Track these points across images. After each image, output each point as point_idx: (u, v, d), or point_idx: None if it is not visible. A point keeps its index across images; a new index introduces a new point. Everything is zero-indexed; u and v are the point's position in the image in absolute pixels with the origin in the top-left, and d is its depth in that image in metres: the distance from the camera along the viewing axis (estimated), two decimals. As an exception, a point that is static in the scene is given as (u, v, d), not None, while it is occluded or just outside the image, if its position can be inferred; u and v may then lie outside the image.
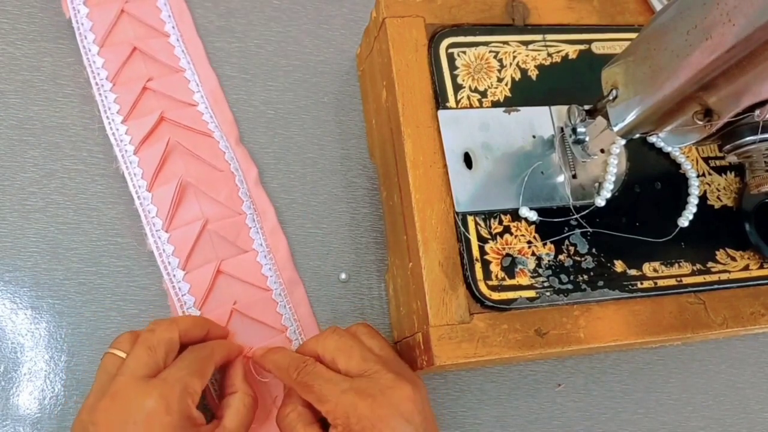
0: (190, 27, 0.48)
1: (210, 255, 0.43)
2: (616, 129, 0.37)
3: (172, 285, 0.42)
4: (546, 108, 0.44)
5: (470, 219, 0.41)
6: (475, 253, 0.40)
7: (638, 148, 0.45)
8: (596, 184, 0.43)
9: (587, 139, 0.42)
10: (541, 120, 0.44)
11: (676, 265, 0.43)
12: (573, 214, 0.42)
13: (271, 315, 0.43)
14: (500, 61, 0.45)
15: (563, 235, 0.42)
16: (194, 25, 0.48)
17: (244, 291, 0.43)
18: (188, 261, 0.43)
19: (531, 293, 0.40)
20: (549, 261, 0.41)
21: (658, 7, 0.48)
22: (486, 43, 0.45)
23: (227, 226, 0.44)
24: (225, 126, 0.46)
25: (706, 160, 0.46)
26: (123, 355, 0.36)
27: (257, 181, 0.46)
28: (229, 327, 0.42)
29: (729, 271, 0.44)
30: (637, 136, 0.38)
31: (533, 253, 0.41)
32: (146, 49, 0.45)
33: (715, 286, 0.43)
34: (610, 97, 0.37)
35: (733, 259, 0.44)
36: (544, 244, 0.42)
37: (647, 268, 0.43)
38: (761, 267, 0.44)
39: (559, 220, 0.42)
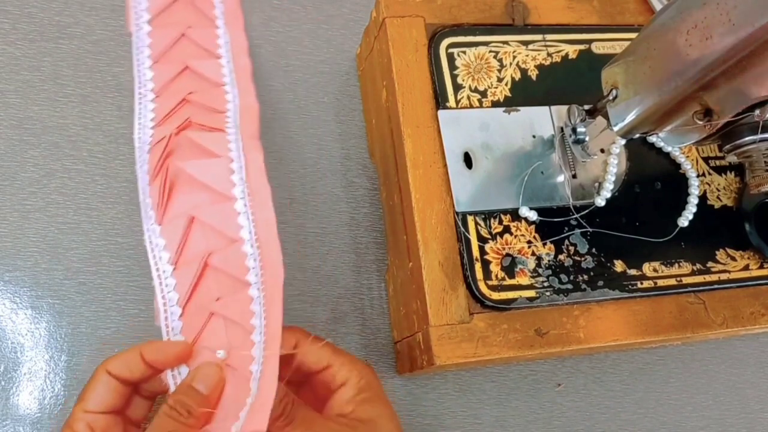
0: (243, 50, 0.48)
1: (200, 248, 0.40)
2: (616, 129, 0.37)
3: (159, 281, 0.39)
4: (546, 108, 0.44)
5: (470, 219, 0.41)
6: (475, 253, 0.40)
7: (638, 148, 0.45)
8: (596, 184, 0.43)
9: (587, 139, 0.42)
10: (541, 120, 0.44)
11: (676, 264, 0.43)
12: (573, 214, 0.42)
13: (245, 314, 0.39)
14: (500, 61, 0.45)
15: (563, 235, 0.42)
16: (247, 47, 0.49)
17: (224, 283, 0.40)
18: (179, 255, 0.40)
19: (531, 293, 0.40)
20: (549, 261, 0.41)
21: (658, 7, 0.48)
22: (486, 43, 0.45)
23: (215, 212, 0.41)
24: (245, 124, 0.45)
25: (706, 160, 0.46)
26: None
27: (261, 168, 0.42)
28: (207, 329, 0.38)
29: (729, 271, 0.44)
30: (637, 136, 0.38)
31: (533, 253, 0.41)
32: (196, 68, 0.46)
33: (715, 286, 0.43)
34: (610, 97, 0.37)
35: (733, 259, 0.44)
36: (544, 244, 0.42)
37: (647, 267, 0.43)
38: (761, 267, 0.44)
39: (559, 220, 0.42)
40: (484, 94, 0.44)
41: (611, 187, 0.43)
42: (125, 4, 0.47)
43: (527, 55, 0.46)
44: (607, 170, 0.43)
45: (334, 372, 0.37)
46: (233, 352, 0.37)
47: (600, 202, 0.43)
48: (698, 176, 0.45)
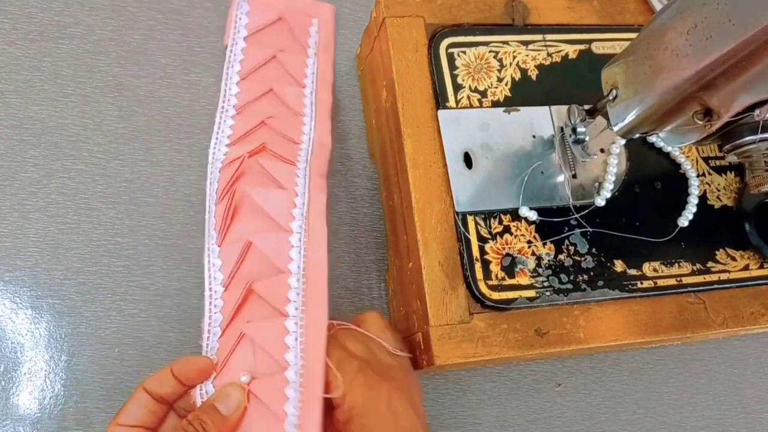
0: (327, 84, 0.49)
1: (250, 273, 0.41)
2: (616, 129, 0.37)
3: (209, 301, 0.40)
4: (546, 108, 0.44)
5: (470, 219, 0.41)
6: (475, 252, 0.40)
7: (638, 148, 0.45)
8: (596, 184, 0.43)
9: (587, 138, 0.42)
10: (541, 120, 0.44)
11: (676, 264, 0.43)
12: (573, 214, 0.42)
13: (277, 344, 0.38)
14: (500, 61, 0.45)
15: (563, 235, 0.42)
16: (332, 82, 0.49)
17: (262, 314, 0.39)
18: (232, 278, 0.41)
19: (531, 293, 0.40)
20: (549, 261, 0.41)
21: (658, 7, 0.48)
22: (486, 43, 0.45)
23: (269, 239, 0.41)
24: (317, 159, 0.46)
25: (706, 160, 0.46)
26: None
27: (322, 211, 0.43)
28: (236, 352, 0.38)
29: (729, 271, 0.44)
30: (637, 135, 0.38)
31: (533, 253, 0.41)
32: (280, 92, 0.47)
33: (715, 286, 0.43)
34: (610, 97, 0.37)
35: (733, 258, 0.44)
36: (544, 244, 0.42)
37: (647, 267, 0.43)
38: (761, 267, 0.44)
39: (559, 219, 0.42)
40: (484, 94, 0.44)
41: (611, 187, 0.43)
42: (228, 17, 0.49)
43: (527, 55, 0.46)
44: (607, 170, 0.43)
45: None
46: (261, 381, 0.37)
47: (600, 202, 0.43)
48: (698, 176, 0.45)
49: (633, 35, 0.36)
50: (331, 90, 0.49)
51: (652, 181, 0.45)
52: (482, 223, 0.41)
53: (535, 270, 0.41)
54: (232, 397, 0.36)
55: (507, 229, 0.41)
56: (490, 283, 0.40)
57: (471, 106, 0.44)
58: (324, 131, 0.47)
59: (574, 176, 0.43)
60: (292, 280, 0.40)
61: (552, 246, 0.42)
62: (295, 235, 0.41)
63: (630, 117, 0.36)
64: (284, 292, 0.39)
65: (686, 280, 0.43)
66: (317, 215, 0.43)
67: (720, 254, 0.44)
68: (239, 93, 0.47)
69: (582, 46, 0.47)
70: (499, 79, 0.45)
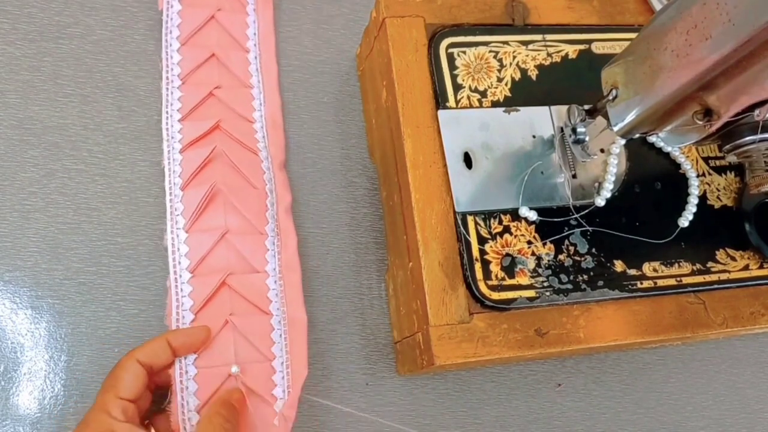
0: (270, 50, 0.48)
1: (221, 265, 0.43)
2: (616, 129, 0.37)
3: (175, 284, 0.41)
4: (546, 108, 0.44)
5: (470, 219, 0.41)
6: (475, 253, 0.40)
7: (638, 148, 0.45)
8: (596, 184, 0.43)
9: (587, 139, 0.42)
10: (541, 120, 0.44)
11: (676, 265, 0.43)
12: (573, 214, 0.42)
13: (263, 339, 0.42)
14: (500, 61, 0.45)
15: (563, 235, 0.42)
16: (276, 49, 0.48)
17: (244, 309, 0.42)
18: (198, 265, 0.42)
19: (531, 293, 0.40)
20: (549, 261, 0.41)
21: (658, 7, 0.48)
22: (486, 43, 0.45)
23: (246, 241, 0.43)
24: (273, 148, 0.46)
25: (706, 160, 0.46)
26: None
27: (288, 209, 0.45)
28: (218, 339, 0.41)
29: (729, 271, 0.44)
30: (637, 135, 0.38)
31: (533, 253, 0.41)
32: (223, 59, 0.46)
33: (715, 286, 0.43)
34: (610, 97, 0.37)
35: (733, 259, 0.44)
36: (544, 244, 0.42)
37: (647, 267, 0.43)
38: (761, 267, 0.44)
39: (559, 219, 0.42)
40: (484, 94, 0.44)
41: (611, 187, 0.43)
42: None
43: (527, 55, 0.46)
44: (607, 170, 0.43)
45: None
46: (251, 371, 0.40)
47: (600, 202, 0.43)
48: (698, 176, 0.45)
49: (633, 35, 0.36)
50: (275, 55, 0.48)
51: (652, 181, 0.45)
52: (482, 223, 0.41)
53: (535, 270, 0.41)
54: (239, 397, 0.39)
55: (507, 229, 0.41)
56: (490, 283, 0.40)
57: (471, 106, 0.44)
58: (274, 106, 0.47)
59: (574, 176, 0.43)
60: (270, 281, 0.42)
61: (552, 246, 0.42)
62: (270, 238, 0.43)
63: (630, 117, 0.36)
64: (263, 291, 0.42)
65: (686, 280, 0.43)
66: (285, 217, 0.44)
67: (720, 254, 0.44)
68: (181, 61, 0.45)
69: (582, 46, 0.47)
70: (499, 79, 0.45)
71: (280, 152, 0.47)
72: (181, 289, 0.42)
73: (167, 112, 0.45)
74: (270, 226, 0.43)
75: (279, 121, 0.47)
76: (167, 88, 0.45)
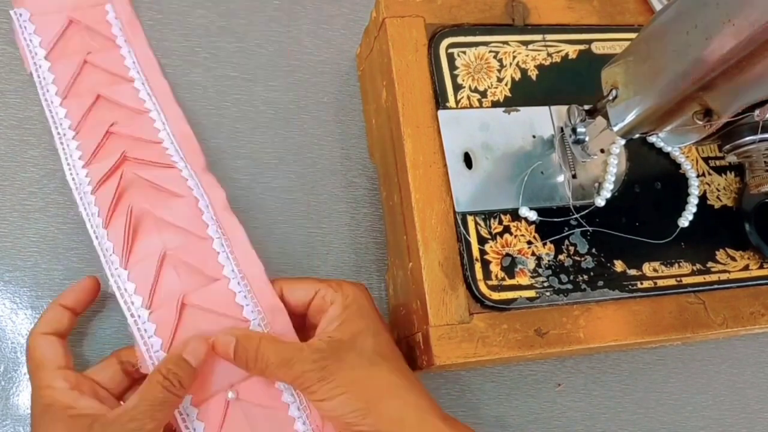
0: (155, 71, 0.47)
1: (176, 288, 0.39)
2: (616, 129, 0.37)
3: (137, 327, 0.38)
4: (546, 108, 0.44)
5: (470, 219, 0.41)
6: (475, 253, 0.40)
7: (638, 148, 0.45)
8: (596, 184, 0.43)
9: (587, 139, 0.42)
10: (541, 120, 0.44)
11: (676, 265, 0.43)
12: (573, 214, 0.42)
13: None
14: (500, 61, 0.45)
15: (563, 235, 0.42)
16: (159, 66, 0.47)
17: (218, 323, 0.39)
18: (153, 298, 0.39)
19: (531, 293, 0.40)
20: (549, 261, 0.41)
21: (658, 7, 0.48)
22: (486, 43, 0.45)
23: (191, 252, 0.40)
24: (190, 156, 0.44)
25: (706, 160, 0.47)
26: None
27: (226, 206, 0.43)
28: (206, 366, 0.38)
29: (729, 271, 0.44)
30: (637, 136, 0.38)
31: (533, 253, 0.41)
32: (110, 95, 0.44)
33: (715, 286, 0.43)
34: (610, 97, 0.37)
35: (733, 259, 0.44)
36: (544, 244, 0.42)
37: (647, 268, 0.43)
38: (761, 267, 0.44)
39: (559, 219, 0.42)
40: (484, 94, 0.44)
41: (611, 187, 0.43)
42: (18, 46, 0.46)
43: (527, 55, 0.46)
44: (607, 170, 0.43)
45: (323, 294, 0.39)
46: (247, 386, 0.39)
47: (600, 202, 0.43)
48: (698, 176, 0.45)
49: (633, 35, 0.36)
50: (161, 72, 0.47)
51: (652, 181, 0.45)
52: (482, 223, 0.41)
53: (535, 270, 0.41)
54: (199, 349, 0.37)
55: (507, 229, 0.41)
56: (490, 283, 0.40)
57: (471, 106, 0.44)
58: (177, 120, 0.45)
59: (574, 176, 0.43)
60: (233, 284, 0.40)
61: (552, 246, 0.42)
62: (216, 240, 0.41)
63: (630, 117, 0.36)
64: (230, 297, 0.40)
65: (686, 280, 0.43)
66: (225, 215, 0.42)
67: (720, 254, 0.44)
68: (67, 113, 0.44)
69: (582, 46, 0.47)
70: (499, 79, 0.45)
71: (198, 158, 0.45)
72: (145, 331, 0.38)
73: (68, 164, 0.43)
74: (211, 228, 0.41)
75: (187, 131, 0.45)
76: (61, 143, 0.43)
